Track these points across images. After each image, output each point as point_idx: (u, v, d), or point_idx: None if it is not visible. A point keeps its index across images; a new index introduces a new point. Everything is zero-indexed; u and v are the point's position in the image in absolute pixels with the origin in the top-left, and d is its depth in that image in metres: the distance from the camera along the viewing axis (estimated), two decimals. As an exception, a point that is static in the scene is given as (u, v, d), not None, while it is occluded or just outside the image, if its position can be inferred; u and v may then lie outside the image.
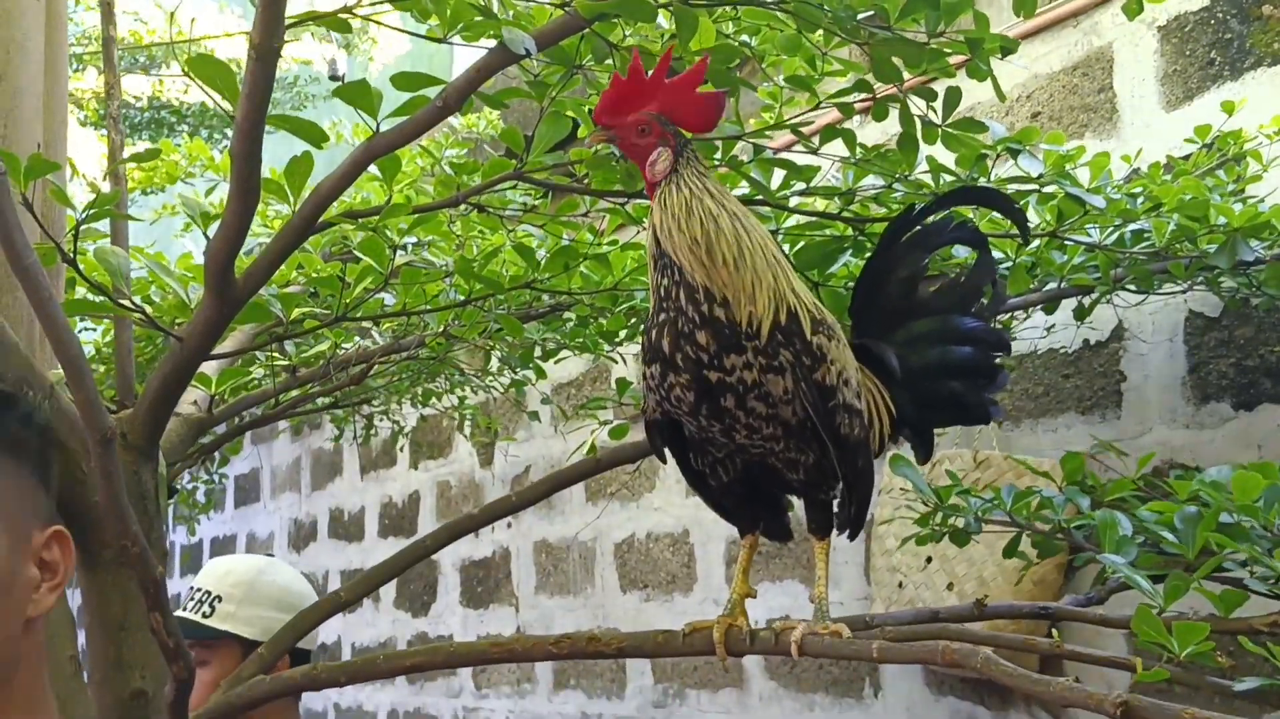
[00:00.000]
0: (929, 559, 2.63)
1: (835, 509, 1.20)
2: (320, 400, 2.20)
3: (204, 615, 2.09)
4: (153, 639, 1.28)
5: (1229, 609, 1.08)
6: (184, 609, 2.08)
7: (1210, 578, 1.17)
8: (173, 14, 4.31)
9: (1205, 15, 2.30)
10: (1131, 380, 2.36)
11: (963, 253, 1.53)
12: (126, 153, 1.52)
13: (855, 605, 2.87)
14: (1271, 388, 2.13)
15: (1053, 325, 2.07)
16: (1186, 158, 1.93)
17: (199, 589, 2.10)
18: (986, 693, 2.59)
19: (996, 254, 1.70)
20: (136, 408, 1.44)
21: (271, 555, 2.25)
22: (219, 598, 2.10)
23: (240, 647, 1.96)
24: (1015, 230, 1.41)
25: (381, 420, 3.48)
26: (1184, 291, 2.03)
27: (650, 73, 1.16)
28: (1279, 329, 2.11)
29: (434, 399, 3.08)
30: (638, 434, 1.67)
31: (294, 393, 1.91)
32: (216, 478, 3.64)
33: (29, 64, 1.40)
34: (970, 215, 1.43)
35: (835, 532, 1.21)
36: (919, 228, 1.23)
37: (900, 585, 2.64)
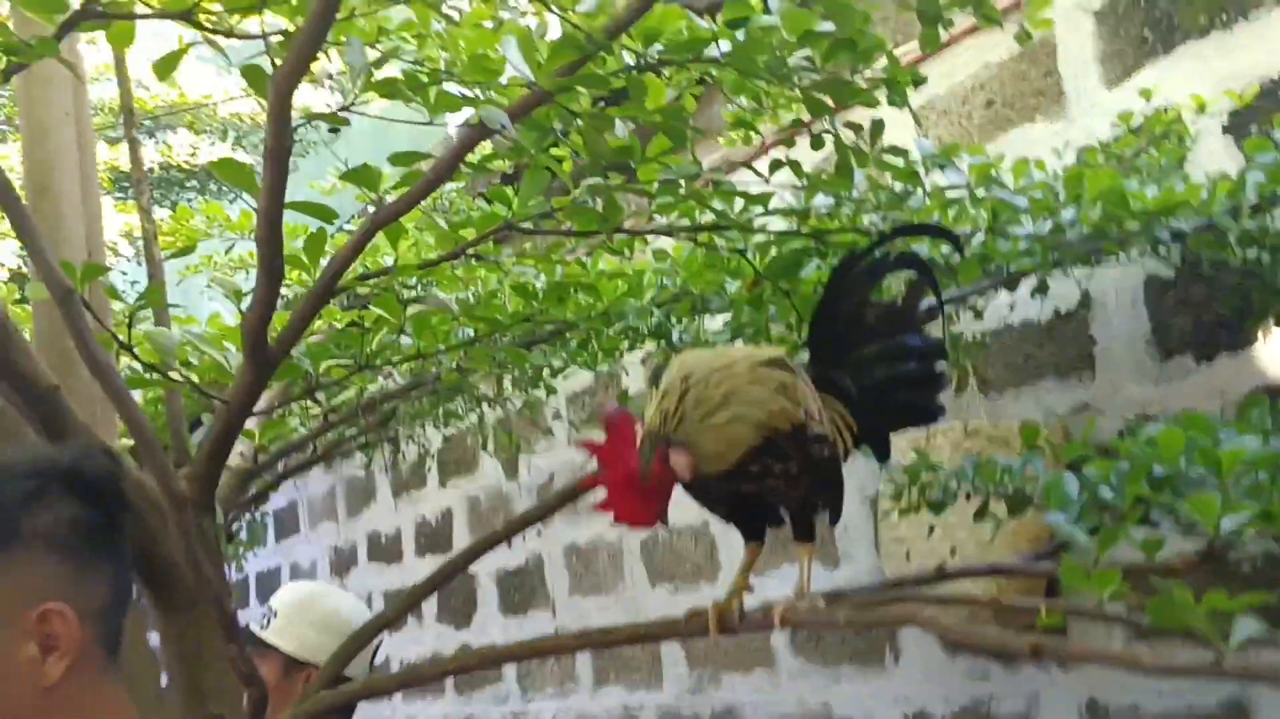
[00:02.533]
0: (931, 529, 2.80)
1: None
2: (354, 441, 2.38)
3: (260, 628, 2.32)
4: (223, 669, 1.48)
5: (1151, 552, 1.24)
6: (254, 620, 2.31)
7: (1139, 526, 1.34)
8: (174, 79, 4.49)
9: (1136, -4, 2.46)
10: (1101, 344, 2.51)
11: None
12: (158, 236, 1.71)
13: (868, 578, 3.04)
14: (1227, 338, 2.29)
15: (1014, 303, 2.23)
16: (1118, 140, 2.09)
17: (268, 605, 2.34)
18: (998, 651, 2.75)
19: (947, 249, 1.87)
20: (194, 467, 1.62)
21: (342, 585, 2.45)
22: (275, 614, 2.32)
23: (280, 660, 2.16)
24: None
25: (407, 444, 3.67)
26: (1139, 257, 2.19)
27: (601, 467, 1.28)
28: (1227, 286, 2.27)
29: (455, 420, 3.26)
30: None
31: (328, 436, 2.09)
32: (257, 515, 3.83)
33: (66, 174, 1.58)
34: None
35: (829, 524, 1.41)
36: (860, 265, 1.40)
37: (907, 556, 2.80)
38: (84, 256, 1.56)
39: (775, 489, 1.31)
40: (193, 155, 4.61)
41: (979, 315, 2.27)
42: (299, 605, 2.23)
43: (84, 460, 1.12)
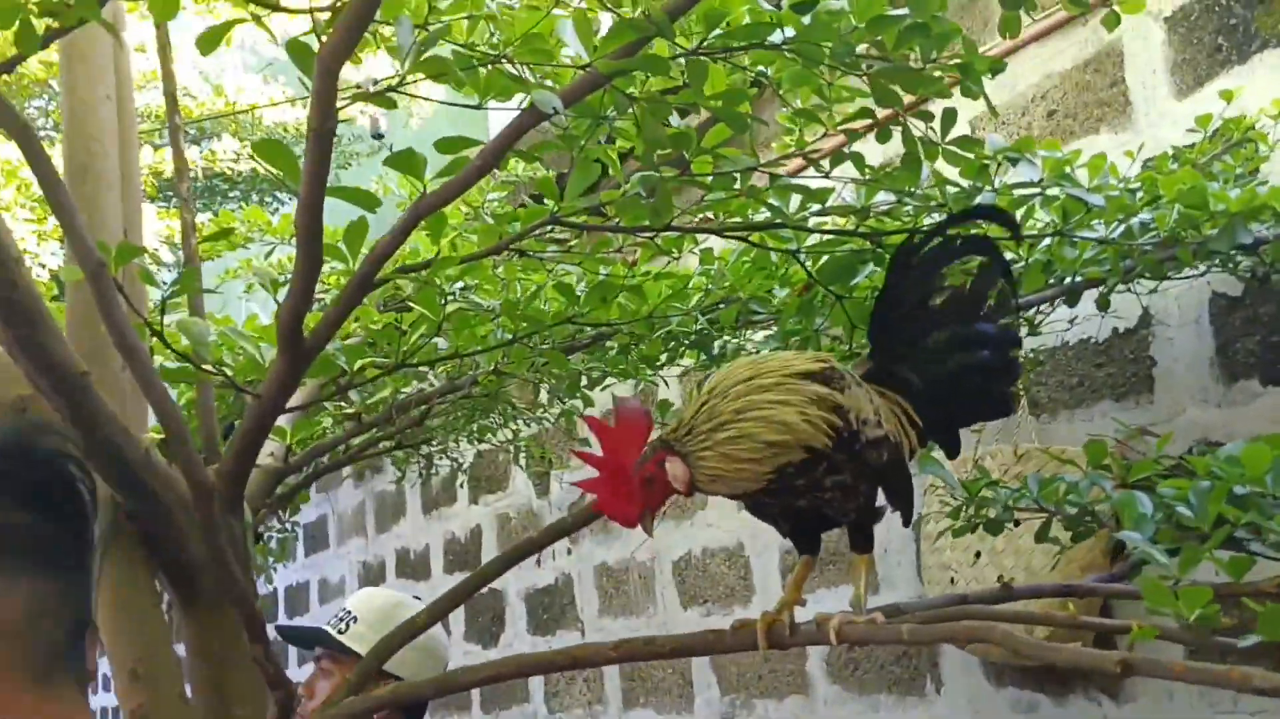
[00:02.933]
0: (978, 554, 2.71)
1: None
2: (385, 444, 2.33)
3: (339, 632, 2.28)
4: (249, 671, 1.41)
5: (1238, 574, 1.16)
6: (327, 623, 2.26)
7: (1223, 547, 1.26)
8: (220, 87, 4.49)
9: (1210, 3, 2.38)
10: (1162, 364, 2.42)
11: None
12: (196, 230, 1.66)
13: (911, 604, 2.95)
14: (1298, 361, 2.20)
15: (1076, 318, 2.15)
16: (1191, 147, 2.01)
17: (345, 609, 2.31)
18: (1046, 681, 2.65)
19: (1010, 255, 1.79)
20: (223, 463, 1.56)
21: (419, 598, 2.41)
22: (355, 619, 2.28)
23: (380, 664, 2.11)
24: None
25: (440, 459, 3.61)
26: (1203, 274, 2.10)
27: (601, 450, 1.24)
28: (1300, 304, 2.18)
29: (489, 434, 3.20)
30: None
31: (361, 438, 2.03)
32: (290, 526, 3.78)
33: (108, 156, 1.54)
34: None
35: (903, 525, 1.33)
36: (924, 250, 1.33)
37: (952, 582, 2.71)
38: (123, 239, 1.51)
39: (830, 501, 1.24)
40: (235, 161, 4.60)
41: (1035, 330, 2.19)
42: (383, 614, 2.19)
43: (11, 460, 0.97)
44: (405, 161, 1.39)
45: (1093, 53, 2.64)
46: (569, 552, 4.33)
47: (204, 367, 1.44)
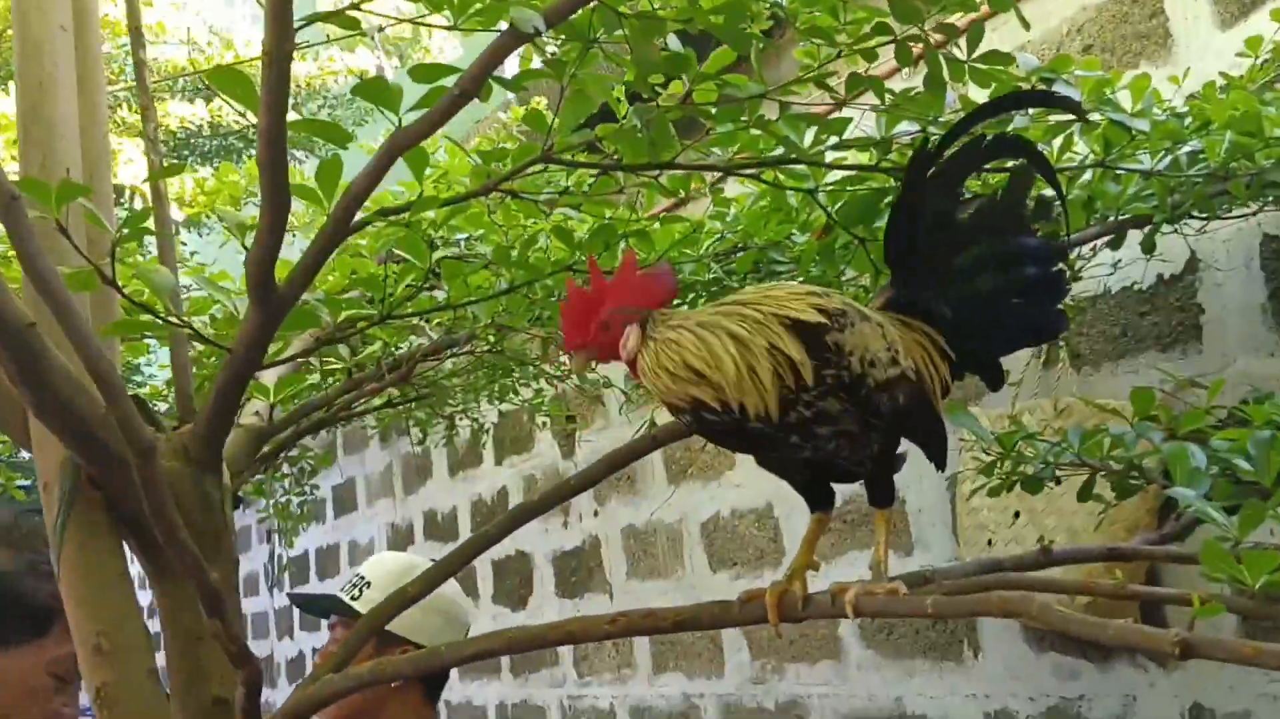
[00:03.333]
0: (1016, 515, 2.57)
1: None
2: (375, 400, 2.23)
3: (352, 598, 2.20)
4: (229, 646, 1.30)
5: (1306, 533, 1.03)
6: (340, 589, 2.19)
7: (1286, 503, 1.12)
8: (230, 40, 4.38)
9: (1257, -78, 2.20)
10: (1210, 312, 2.27)
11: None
12: (187, 178, 1.55)
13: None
14: (1360, 306, 2.04)
15: (1119, 261, 2.00)
16: (1240, 78, 1.85)
17: (358, 574, 2.24)
18: (1089, 646, 2.52)
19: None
20: (196, 423, 1.46)
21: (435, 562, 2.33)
22: (369, 584, 2.20)
23: (374, 633, 2.02)
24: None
25: (461, 420, 3.51)
26: (1255, 214, 1.94)
27: (590, 288, 1.16)
28: (1362, 244, 2.01)
29: (511, 394, 3.09)
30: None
31: (354, 397, 1.93)
32: (309, 489, 3.71)
33: (61, 97, 1.43)
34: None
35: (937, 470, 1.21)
36: (946, 156, 1.18)
37: (989, 544, 2.58)
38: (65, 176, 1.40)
39: (837, 452, 1.10)
40: (243, 115, 4.47)
41: (1075, 276, 2.04)
42: (396, 579, 2.09)
43: None
44: (375, 91, 1.27)
45: (1131, -19, 2.47)
46: (595, 513, 4.24)
47: (167, 319, 1.33)
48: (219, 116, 4.39)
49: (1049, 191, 1.23)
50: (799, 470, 1.17)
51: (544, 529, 4.55)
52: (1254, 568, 0.92)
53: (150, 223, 1.64)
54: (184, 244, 5.82)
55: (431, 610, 2.12)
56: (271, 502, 3.53)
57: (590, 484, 1.52)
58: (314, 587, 6.98)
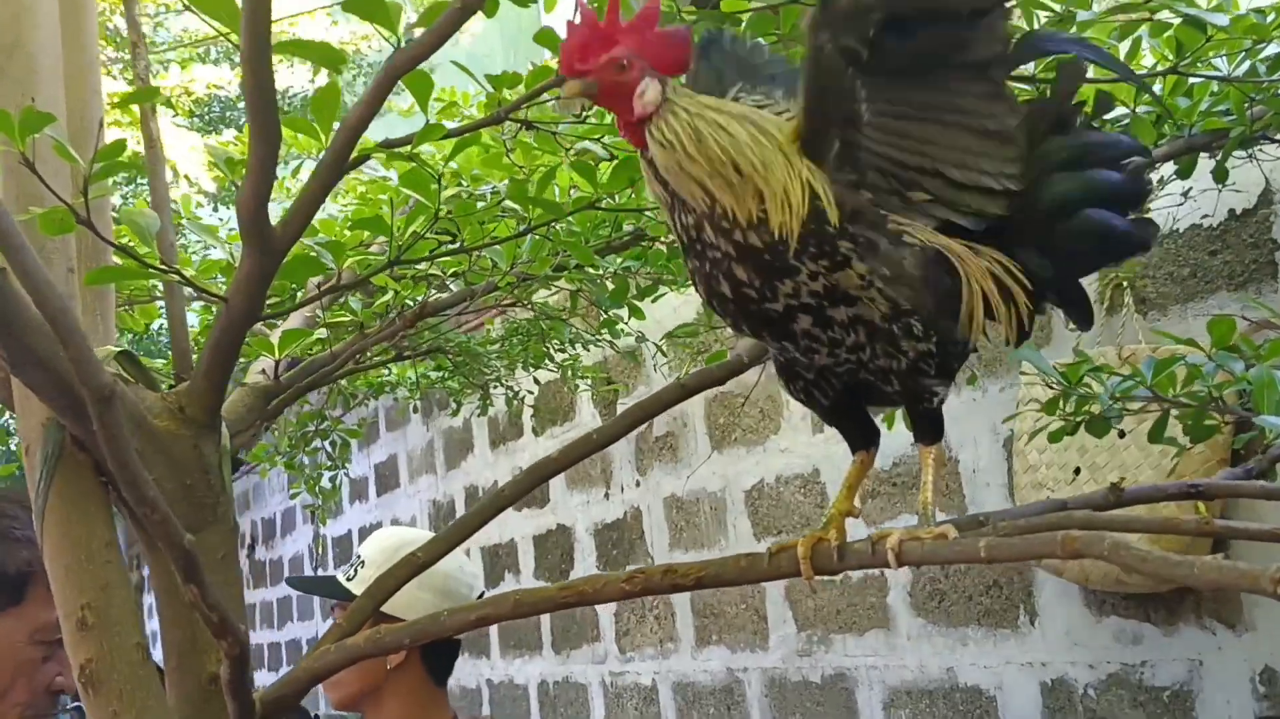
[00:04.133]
0: (1077, 471, 2.43)
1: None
2: (385, 354, 2.13)
3: (348, 579, 2.11)
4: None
5: None
6: (340, 570, 2.10)
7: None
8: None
9: None
10: (1287, 248, 2.11)
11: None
12: (194, 139, 1.44)
13: (1001, 529, 2.69)
14: None
15: (1189, 190, 1.85)
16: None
17: (357, 554, 2.13)
18: (1153, 608, 2.38)
19: (1118, 110, 1.50)
20: (192, 379, 1.37)
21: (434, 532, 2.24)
22: (364, 563, 2.10)
23: (377, 607, 1.93)
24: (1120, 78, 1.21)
25: (496, 389, 3.41)
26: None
27: (604, 20, 1.00)
28: None
29: (547, 361, 2.98)
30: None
31: (359, 349, 1.82)
32: (341, 464, 3.63)
33: (41, 29, 1.33)
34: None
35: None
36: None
37: (1048, 502, 2.45)
38: (65, 131, 1.30)
39: (859, 352, 0.97)
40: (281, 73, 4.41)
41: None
42: (389, 555, 2.00)
43: None
44: (369, 7, 1.16)
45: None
46: (637, 484, 4.13)
47: (152, 264, 1.23)
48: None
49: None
50: (824, 386, 1.04)
51: (585, 501, 4.45)
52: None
53: (144, 173, 1.54)
54: (219, 218, 5.79)
55: (426, 587, 1.98)
56: (304, 478, 3.46)
57: (613, 439, 1.42)
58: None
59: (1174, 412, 1.29)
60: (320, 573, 7.42)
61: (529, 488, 1.38)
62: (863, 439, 1.06)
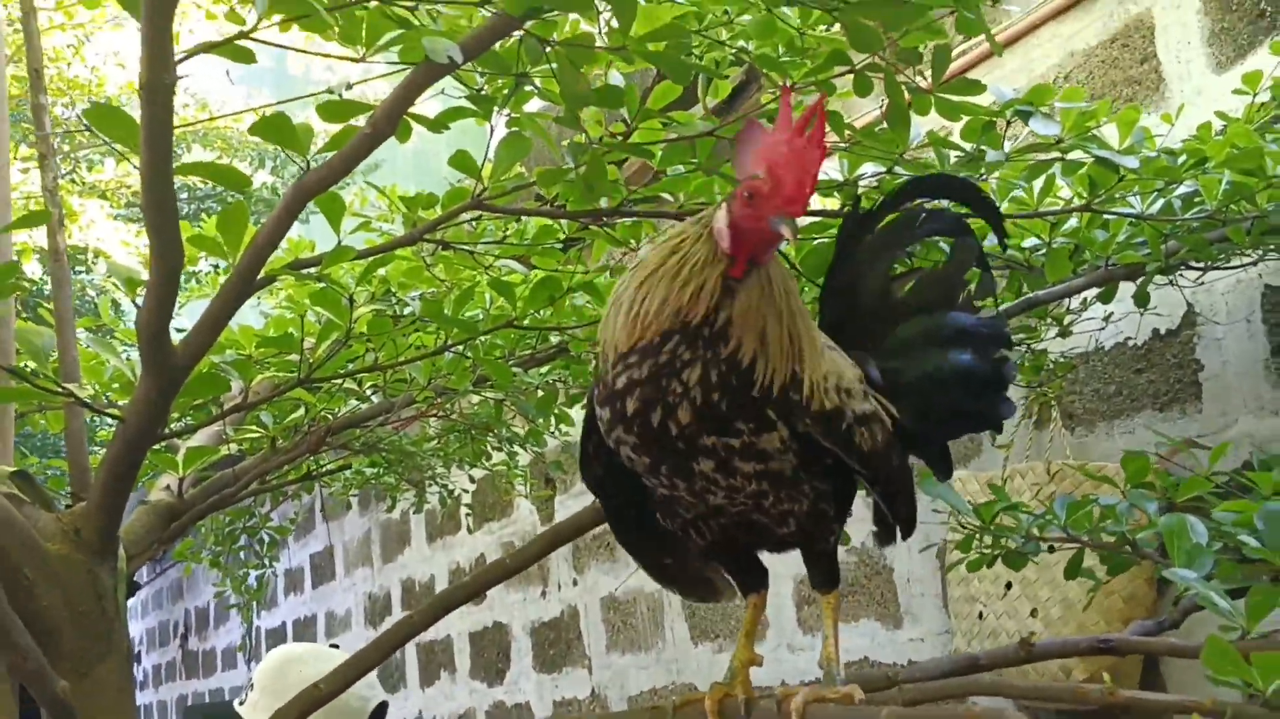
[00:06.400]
0: (1009, 585, 2.41)
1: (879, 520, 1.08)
2: (294, 473, 2.08)
3: (239, 703, 2.07)
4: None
5: (1330, 627, 0.88)
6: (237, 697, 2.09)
7: (1304, 588, 0.98)
8: (205, 103, 4.29)
9: (1248, -37, 2.10)
10: (1209, 369, 2.13)
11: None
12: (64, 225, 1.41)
13: (935, 640, 2.66)
14: (1369, 362, 1.91)
15: (1111, 315, 1.87)
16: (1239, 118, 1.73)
17: (249, 677, 2.10)
18: (1088, 727, 2.35)
19: (1031, 241, 1.52)
20: (89, 501, 1.32)
21: (336, 646, 2.18)
22: (251, 686, 2.07)
23: None
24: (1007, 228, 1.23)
25: (431, 487, 3.36)
26: (1256, 263, 1.82)
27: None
28: (1369, 296, 1.89)
29: (483, 459, 2.94)
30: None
31: (265, 469, 1.77)
32: (268, 562, 3.53)
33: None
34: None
35: (897, 537, 1.09)
36: (883, 224, 1.06)
37: (980, 616, 2.42)
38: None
39: (757, 498, 0.95)
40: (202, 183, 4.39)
41: (1065, 331, 1.91)
42: (273, 674, 1.97)
43: None
44: (276, 129, 1.14)
45: (1120, 26, 2.36)
46: (574, 582, 4.07)
47: (46, 387, 1.19)
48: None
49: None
50: (701, 527, 1.01)
51: (523, 599, 4.37)
52: (1266, 670, 0.78)
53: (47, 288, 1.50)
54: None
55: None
56: (229, 576, 3.36)
57: (529, 563, 1.38)
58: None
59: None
60: (254, 664, 7.23)
61: (435, 618, 1.34)
62: (753, 582, 1.04)
